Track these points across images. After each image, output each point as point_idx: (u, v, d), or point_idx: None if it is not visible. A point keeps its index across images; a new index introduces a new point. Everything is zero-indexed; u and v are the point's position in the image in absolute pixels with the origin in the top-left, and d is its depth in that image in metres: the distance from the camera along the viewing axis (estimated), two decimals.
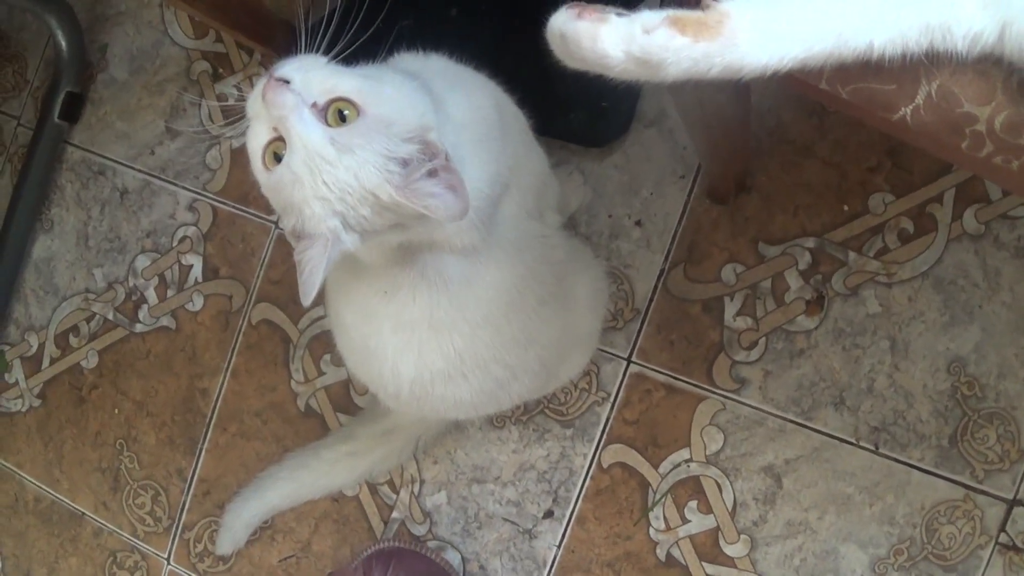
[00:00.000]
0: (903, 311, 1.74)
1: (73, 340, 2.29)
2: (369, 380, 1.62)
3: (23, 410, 2.33)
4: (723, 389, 1.82)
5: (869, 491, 1.73)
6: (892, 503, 1.72)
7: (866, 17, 0.97)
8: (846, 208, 1.78)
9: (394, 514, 2.01)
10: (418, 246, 1.33)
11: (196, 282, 2.19)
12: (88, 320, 2.28)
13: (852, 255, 1.77)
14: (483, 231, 1.34)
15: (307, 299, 1.15)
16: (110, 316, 2.26)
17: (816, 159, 1.80)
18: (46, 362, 2.31)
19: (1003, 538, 1.66)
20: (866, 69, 1.02)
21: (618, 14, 0.97)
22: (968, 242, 1.73)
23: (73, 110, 2.31)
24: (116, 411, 2.23)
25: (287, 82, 1.20)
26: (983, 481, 1.68)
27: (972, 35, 0.95)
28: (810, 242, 1.79)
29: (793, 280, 1.79)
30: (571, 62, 0.99)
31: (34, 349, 2.33)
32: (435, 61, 1.43)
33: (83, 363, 2.27)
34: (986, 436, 1.69)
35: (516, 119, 1.50)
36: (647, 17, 0.96)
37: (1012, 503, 1.67)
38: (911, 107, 1.05)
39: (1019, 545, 1.66)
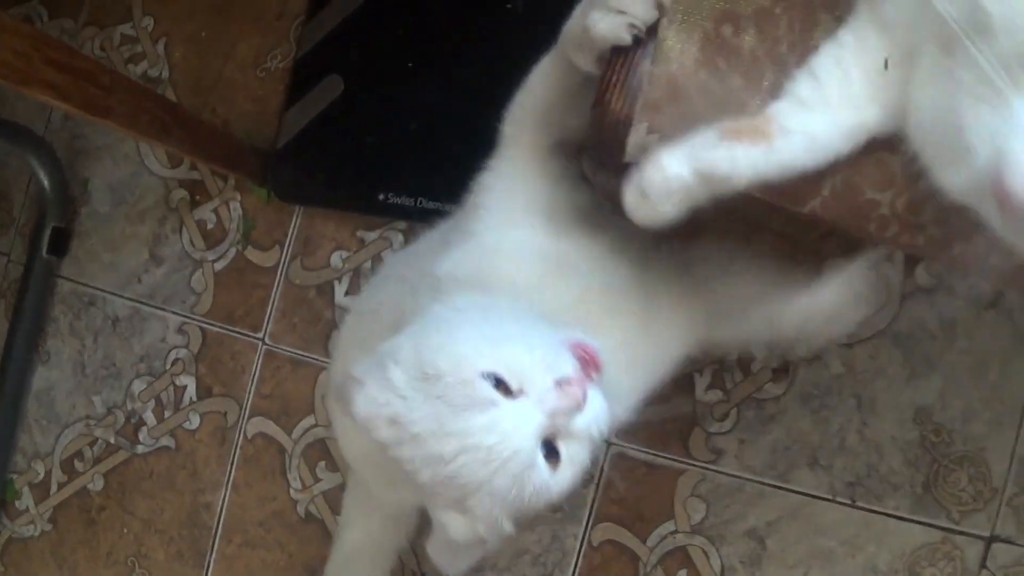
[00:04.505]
0: (866, 369, 1.79)
1: (78, 465, 2.33)
2: None
3: (36, 535, 2.37)
4: (701, 460, 1.86)
5: (850, 543, 1.76)
6: (874, 552, 1.75)
7: None
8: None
9: None
10: None
11: (191, 402, 2.24)
12: (91, 445, 2.33)
13: None
14: None
15: None
16: (112, 440, 2.31)
17: (768, 232, 1.83)
18: (54, 487, 2.35)
19: (985, 574, 1.69)
20: None
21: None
22: (922, 296, 1.77)
23: (60, 244, 2.38)
24: (125, 530, 2.27)
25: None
26: (959, 522, 1.71)
27: None
28: None
29: (758, 350, 1.83)
30: (655, 213, 1.07)
31: (41, 476, 2.37)
32: None
33: (90, 486, 2.31)
34: (958, 479, 1.72)
35: None
36: (702, 135, 1.05)
37: (990, 540, 1.69)
38: (819, 200, 1.13)
39: None
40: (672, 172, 1.06)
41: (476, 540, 1.06)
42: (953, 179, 0.98)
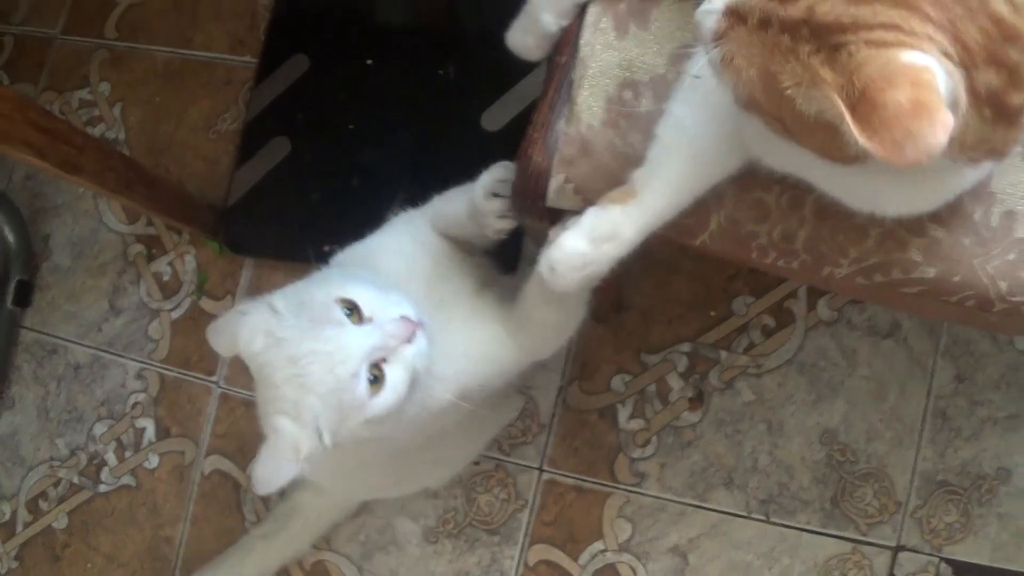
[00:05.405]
0: (775, 396, 1.90)
1: (43, 505, 2.36)
2: None
3: (3, 573, 2.36)
4: (625, 484, 1.95)
5: (766, 556, 1.86)
6: (788, 564, 1.85)
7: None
8: (713, 314, 1.95)
9: None
10: None
11: (150, 443, 2.29)
12: (55, 485, 2.36)
13: (724, 353, 1.93)
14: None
15: None
16: (75, 480, 2.34)
17: (682, 274, 1.97)
18: (20, 527, 2.37)
19: None
20: None
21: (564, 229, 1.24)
22: (824, 328, 1.89)
23: (24, 296, 2.43)
24: (89, 565, 2.29)
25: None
26: (867, 533, 1.81)
27: None
28: (685, 347, 1.96)
29: (675, 382, 1.95)
30: (565, 282, 1.25)
31: (7, 516, 2.38)
32: None
33: (54, 524, 2.34)
34: (864, 494, 1.83)
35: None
36: (588, 214, 1.22)
37: (896, 549, 1.80)
38: (707, 233, 1.29)
39: None
40: (570, 249, 1.25)
41: (294, 453, 1.27)
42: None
